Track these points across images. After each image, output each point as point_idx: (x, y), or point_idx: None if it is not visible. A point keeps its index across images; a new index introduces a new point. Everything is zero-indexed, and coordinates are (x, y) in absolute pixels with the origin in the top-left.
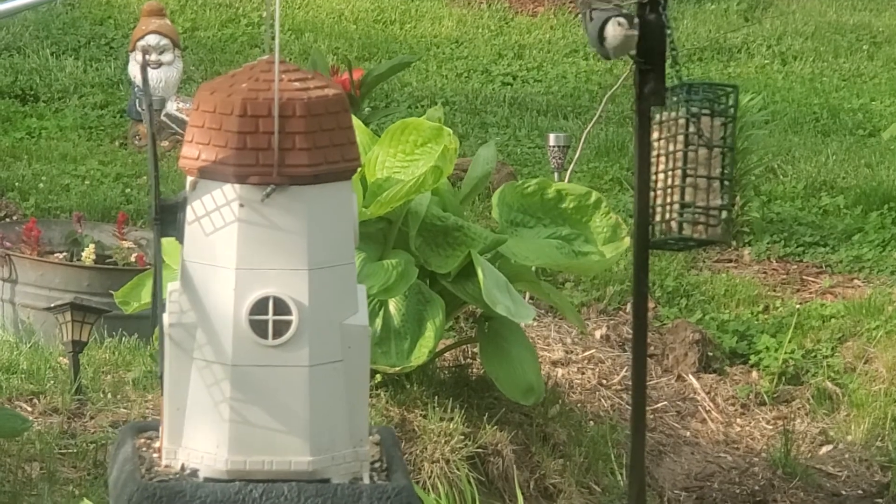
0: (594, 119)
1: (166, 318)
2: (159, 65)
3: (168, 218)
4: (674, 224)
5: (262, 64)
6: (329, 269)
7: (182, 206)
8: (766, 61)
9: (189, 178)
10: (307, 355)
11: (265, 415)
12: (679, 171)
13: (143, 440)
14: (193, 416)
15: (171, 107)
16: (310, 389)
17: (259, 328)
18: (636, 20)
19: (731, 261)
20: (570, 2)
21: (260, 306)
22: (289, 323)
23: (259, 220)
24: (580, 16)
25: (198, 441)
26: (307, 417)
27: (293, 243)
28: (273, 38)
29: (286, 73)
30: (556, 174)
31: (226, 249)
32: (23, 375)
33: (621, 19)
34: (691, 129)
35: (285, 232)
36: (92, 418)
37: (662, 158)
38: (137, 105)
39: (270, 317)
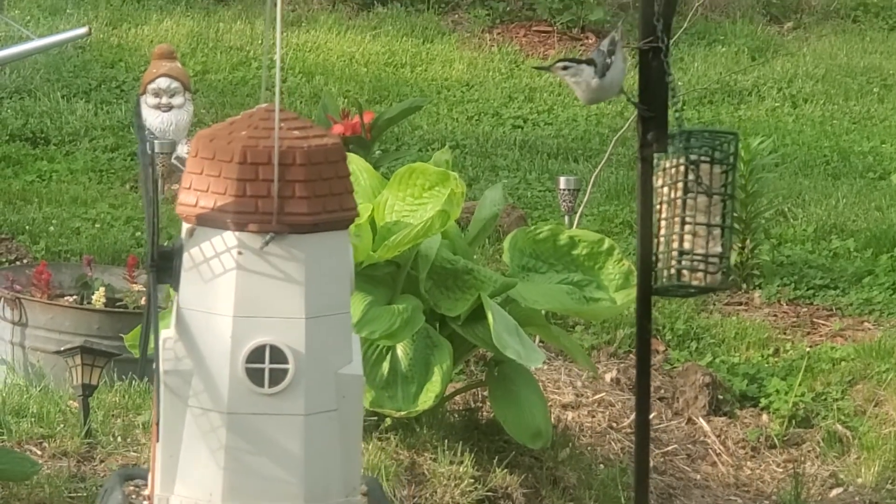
0: (602, 162)
1: (161, 366)
2: (170, 108)
3: (164, 265)
4: (674, 271)
5: (260, 111)
6: (326, 318)
7: (178, 252)
8: (776, 104)
9: (186, 225)
10: (303, 404)
11: (260, 463)
12: (679, 219)
13: (131, 488)
14: (187, 464)
15: (182, 150)
16: (305, 438)
17: (255, 376)
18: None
19: (741, 304)
20: (581, 44)
21: (256, 354)
22: (285, 371)
23: (257, 267)
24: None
25: (191, 489)
26: (302, 466)
27: (291, 292)
28: (274, 85)
29: (285, 122)
30: (566, 217)
31: (223, 297)
32: (32, 419)
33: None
34: (691, 176)
35: (283, 280)
36: (102, 462)
37: (664, 205)
38: (148, 148)
39: (267, 365)
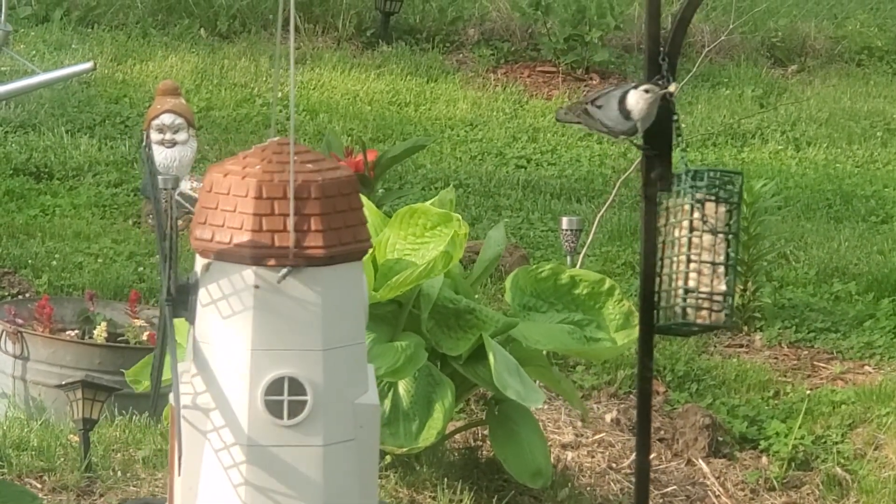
0: (607, 203)
1: (181, 400)
2: (173, 144)
3: (180, 298)
4: (678, 309)
5: (273, 145)
6: (342, 349)
7: (194, 287)
8: (779, 147)
9: (202, 260)
10: (321, 435)
11: (280, 495)
12: (684, 257)
13: None
14: (206, 497)
15: (186, 186)
16: (324, 468)
17: (274, 408)
18: (657, 83)
19: (742, 346)
20: (585, 85)
21: (275, 387)
22: (304, 403)
23: (274, 301)
24: (575, 117)
25: None
26: (322, 496)
27: (308, 324)
28: (279, 122)
29: (298, 155)
30: (568, 258)
31: (241, 331)
32: (33, 452)
33: (641, 88)
34: (696, 214)
35: (300, 313)
36: (101, 496)
37: (668, 244)
38: (160, 183)
39: (286, 397)
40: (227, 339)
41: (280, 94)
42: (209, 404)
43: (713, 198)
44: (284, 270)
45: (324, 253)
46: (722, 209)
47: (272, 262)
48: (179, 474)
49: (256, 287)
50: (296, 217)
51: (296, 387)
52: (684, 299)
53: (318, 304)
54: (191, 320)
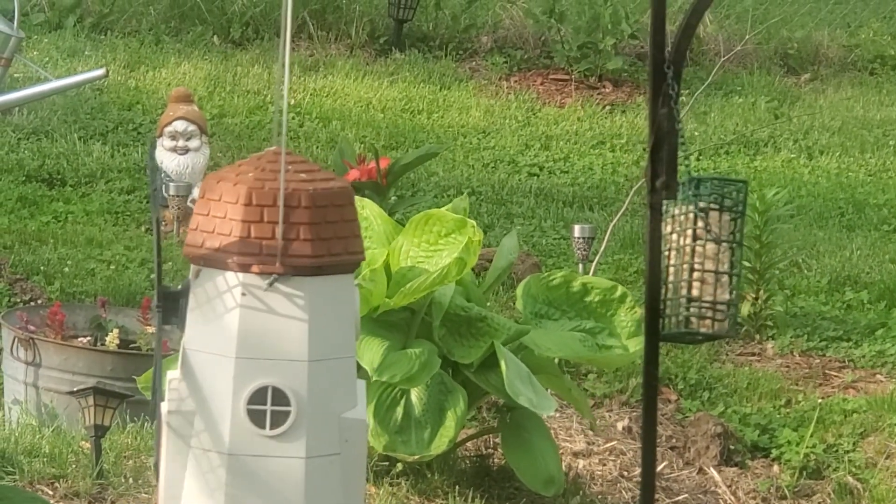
0: (620, 211)
1: (165, 406)
2: (186, 151)
3: (170, 305)
4: (682, 318)
5: (268, 154)
6: (329, 361)
7: (185, 293)
8: (792, 155)
9: (192, 266)
10: (304, 447)
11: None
12: (687, 266)
13: None
14: None
15: (198, 193)
16: (306, 482)
17: (257, 418)
18: None
19: (754, 354)
20: (598, 93)
21: (258, 396)
22: (287, 414)
23: (260, 309)
24: None
25: None
26: None
27: (294, 334)
28: (290, 129)
29: (292, 165)
30: (580, 266)
31: (226, 338)
32: (45, 459)
33: None
34: (700, 223)
35: (286, 322)
36: (113, 503)
37: (673, 252)
38: (164, 191)
39: (269, 407)
40: (212, 346)
41: (293, 101)
42: (192, 410)
43: (717, 207)
44: (271, 278)
45: (311, 262)
46: (726, 218)
47: (258, 269)
48: (157, 480)
49: (243, 294)
50: (284, 225)
51: (279, 397)
52: (687, 308)
53: (304, 313)
54: (181, 327)
